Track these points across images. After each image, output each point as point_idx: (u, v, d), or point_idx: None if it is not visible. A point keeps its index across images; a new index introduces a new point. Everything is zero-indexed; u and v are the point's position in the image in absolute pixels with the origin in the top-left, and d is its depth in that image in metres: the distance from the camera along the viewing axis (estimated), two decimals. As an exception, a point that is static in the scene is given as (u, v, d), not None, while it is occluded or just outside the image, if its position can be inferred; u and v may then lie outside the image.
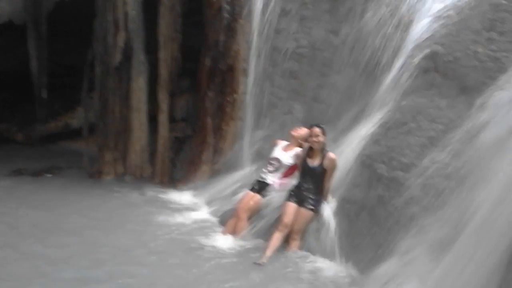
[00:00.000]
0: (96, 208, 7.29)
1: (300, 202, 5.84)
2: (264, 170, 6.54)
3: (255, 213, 6.24)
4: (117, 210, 7.26)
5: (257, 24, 7.92)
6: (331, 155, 5.85)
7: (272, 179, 6.41)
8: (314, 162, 5.90)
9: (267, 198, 6.32)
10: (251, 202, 6.26)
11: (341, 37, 7.26)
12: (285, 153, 6.44)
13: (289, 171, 6.40)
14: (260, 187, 6.41)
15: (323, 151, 5.88)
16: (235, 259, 5.60)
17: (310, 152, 5.95)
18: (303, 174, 5.99)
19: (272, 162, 6.48)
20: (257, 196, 6.32)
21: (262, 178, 6.49)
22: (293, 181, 6.21)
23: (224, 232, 6.22)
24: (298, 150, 6.28)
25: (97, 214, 7.02)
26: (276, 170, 6.42)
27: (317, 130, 5.86)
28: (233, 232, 6.16)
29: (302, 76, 7.58)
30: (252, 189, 6.45)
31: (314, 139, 5.86)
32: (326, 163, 5.83)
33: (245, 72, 8.01)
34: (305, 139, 6.11)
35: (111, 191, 8.12)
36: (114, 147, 9.02)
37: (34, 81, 10.15)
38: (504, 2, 5.66)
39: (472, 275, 3.21)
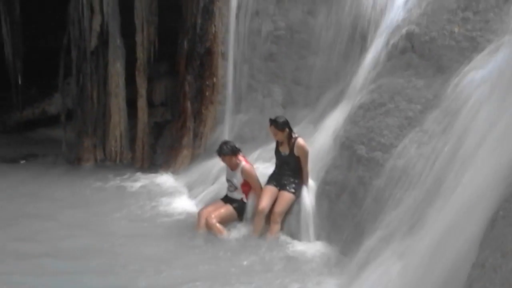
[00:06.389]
0: (75, 194, 7.32)
1: (281, 186, 5.88)
2: (227, 190, 6.24)
3: (227, 222, 5.98)
4: (96, 195, 7.26)
5: (234, 6, 7.85)
6: (300, 142, 5.82)
7: (238, 195, 6.12)
8: (285, 151, 5.91)
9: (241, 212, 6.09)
10: (222, 210, 5.99)
11: (318, 18, 7.24)
12: (232, 173, 6.11)
13: (245, 187, 6.10)
14: (230, 200, 6.15)
15: (290, 140, 5.86)
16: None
17: (278, 141, 5.96)
18: (278, 162, 6.01)
19: (228, 183, 6.21)
20: (229, 206, 6.05)
21: (230, 194, 6.21)
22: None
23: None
24: (244, 166, 6.01)
25: (75, 199, 7.11)
26: (235, 189, 6.12)
27: (270, 128, 5.83)
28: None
29: (281, 58, 7.55)
30: (223, 199, 6.23)
31: (272, 137, 5.90)
32: (296, 150, 5.83)
33: (223, 55, 7.96)
34: None
35: (91, 178, 8.05)
36: (93, 133, 8.96)
37: (9, 67, 9.95)
38: (479, -19, 5.68)
39: (450, 251, 3.28)
